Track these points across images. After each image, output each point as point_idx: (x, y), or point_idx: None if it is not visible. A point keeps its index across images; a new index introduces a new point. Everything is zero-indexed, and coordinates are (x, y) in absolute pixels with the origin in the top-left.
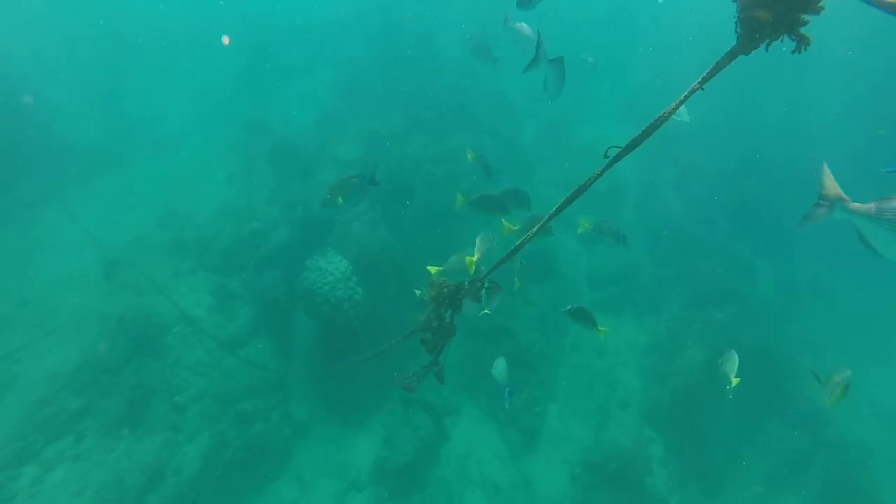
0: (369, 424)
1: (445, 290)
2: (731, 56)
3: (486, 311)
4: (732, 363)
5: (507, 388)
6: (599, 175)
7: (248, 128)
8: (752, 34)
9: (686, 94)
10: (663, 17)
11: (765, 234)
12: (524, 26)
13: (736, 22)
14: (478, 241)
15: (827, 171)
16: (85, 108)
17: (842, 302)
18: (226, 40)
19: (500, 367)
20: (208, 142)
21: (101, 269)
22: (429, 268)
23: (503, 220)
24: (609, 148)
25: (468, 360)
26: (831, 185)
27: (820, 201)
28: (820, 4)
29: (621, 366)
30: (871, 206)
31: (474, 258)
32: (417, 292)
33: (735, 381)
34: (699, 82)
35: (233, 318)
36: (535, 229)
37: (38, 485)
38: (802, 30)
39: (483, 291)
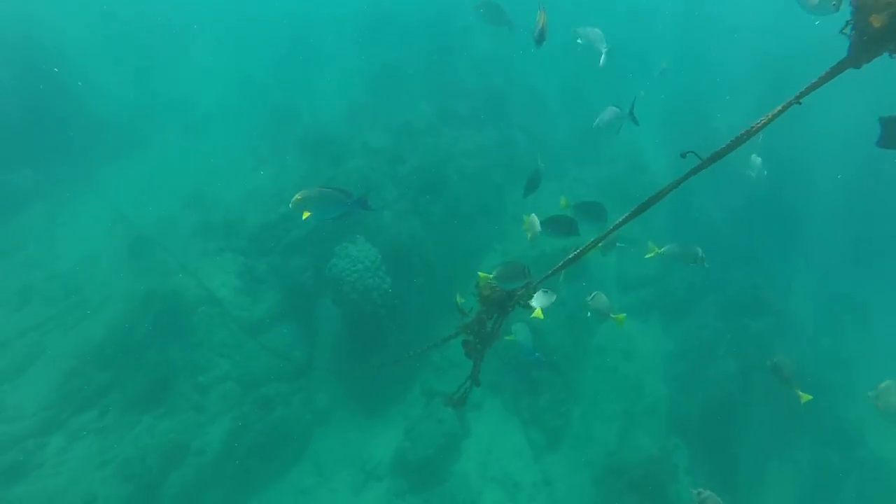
0: (391, 415)
1: (496, 294)
2: (837, 69)
3: (539, 313)
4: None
5: (536, 353)
6: (673, 187)
7: (279, 114)
8: (866, 44)
9: (780, 108)
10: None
11: (801, 246)
12: (594, 31)
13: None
14: (527, 221)
15: None
16: (118, 85)
17: (876, 319)
18: None
19: (523, 332)
20: (238, 127)
21: (128, 247)
22: (480, 273)
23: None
24: (687, 152)
25: (492, 356)
26: None
27: None
28: None
29: (649, 371)
30: None
31: (528, 235)
32: (459, 299)
33: (805, 397)
34: (796, 97)
35: (258, 301)
36: (597, 239)
37: (64, 454)
38: None
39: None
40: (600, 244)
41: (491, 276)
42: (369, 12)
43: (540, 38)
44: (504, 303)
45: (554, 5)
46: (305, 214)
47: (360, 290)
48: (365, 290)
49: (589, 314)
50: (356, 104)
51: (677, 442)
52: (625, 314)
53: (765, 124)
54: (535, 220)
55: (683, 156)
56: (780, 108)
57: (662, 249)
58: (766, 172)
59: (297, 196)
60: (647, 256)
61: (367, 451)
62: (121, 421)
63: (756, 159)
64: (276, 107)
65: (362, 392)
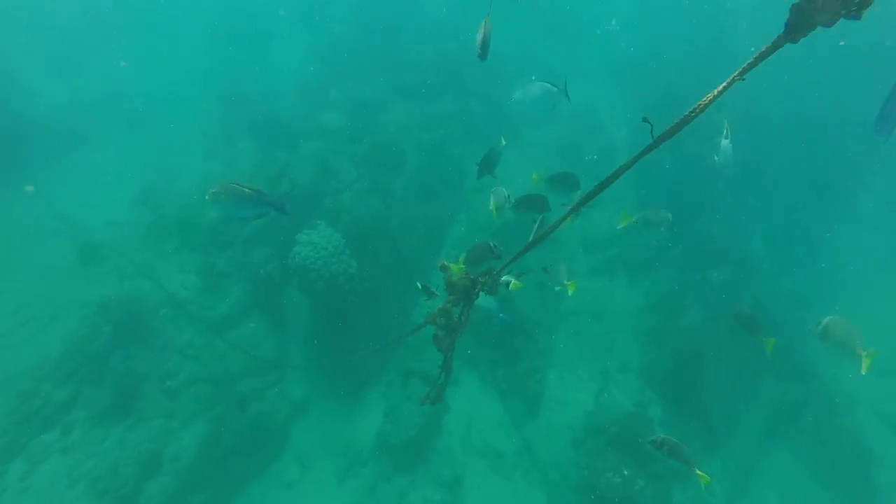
0: (369, 399)
1: (462, 281)
2: (775, 45)
3: (516, 284)
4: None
5: (500, 315)
6: (629, 167)
7: (226, 100)
8: (803, 19)
9: (725, 84)
10: None
11: (756, 192)
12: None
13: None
14: (492, 195)
15: None
16: (47, 82)
17: (831, 257)
18: None
19: (485, 297)
20: (185, 116)
21: (77, 254)
22: (448, 263)
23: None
24: (644, 118)
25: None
26: None
27: None
28: None
29: (620, 330)
30: None
31: (492, 206)
32: (419, 285)
33: (769, 343)
34: (739, 72)
35: (222, 297)
36: (565, 215)
37: (28, 479)
38: None
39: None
40: (568, 219)
41: (459, 262)
42: None
43: (483, 51)
44: (469, 291)
45: None
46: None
47: (326, 276)
48: (331, 276)
49: (556, 288)
50: (307, 83)
51: (651, 396)
52: (575, 280)
53: (711, 101)
54: (501, 192)
55: (645, 120)
56: (724, 84)
57: (634, 218)
58: (732, 161)
59: (213, 190)
60: (619, 227)
61: (349, 438)
62: (88, 436)
63: (727, 146)
64: (223, 92)
65: (338, 379)
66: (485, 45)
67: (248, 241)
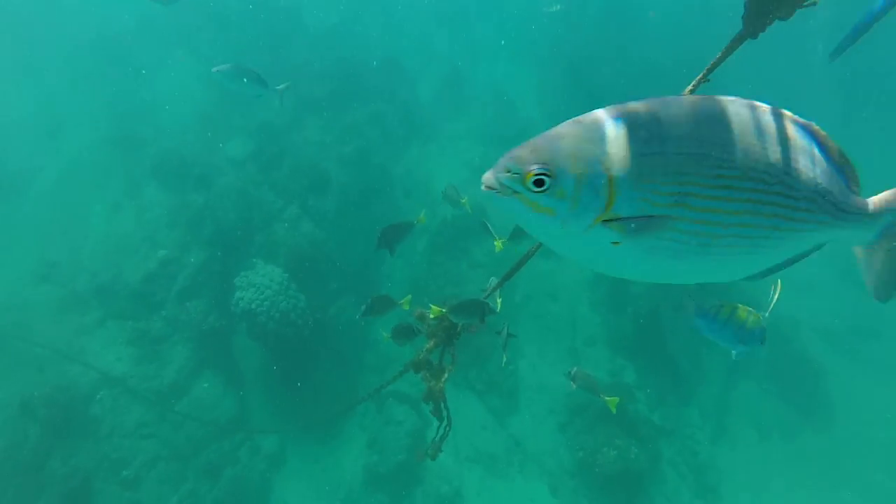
0: (347, 432)
1: (441, 327)
2: (736, 42)
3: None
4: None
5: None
6: None
7: (118, 143)
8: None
9: (692, 86)
10: None
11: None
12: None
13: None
14: (444, 195)
15: None
16: None
17: None
18: None
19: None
20: (70, 170)
21: None
22: (434, 307)
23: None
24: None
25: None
26: None
27: None
28: None
29: (577, 304)
30: None
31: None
32: (385, 335)
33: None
34: (704, 73)
35: (166, 363)
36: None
37: None
38: None
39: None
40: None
41: (444, 309)
42: (184, 7)
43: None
44: (451, 332)
45: None
46: None
47: (277, 317)
48: (281, 315)
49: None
50: (203, 112)
51: (623, 363)
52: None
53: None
54: (453, 190)
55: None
56: (690, 86)
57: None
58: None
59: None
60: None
61: (335, 479)
62: None
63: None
64: (111, 135)
65: (308, 419)
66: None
67: (182, 296)
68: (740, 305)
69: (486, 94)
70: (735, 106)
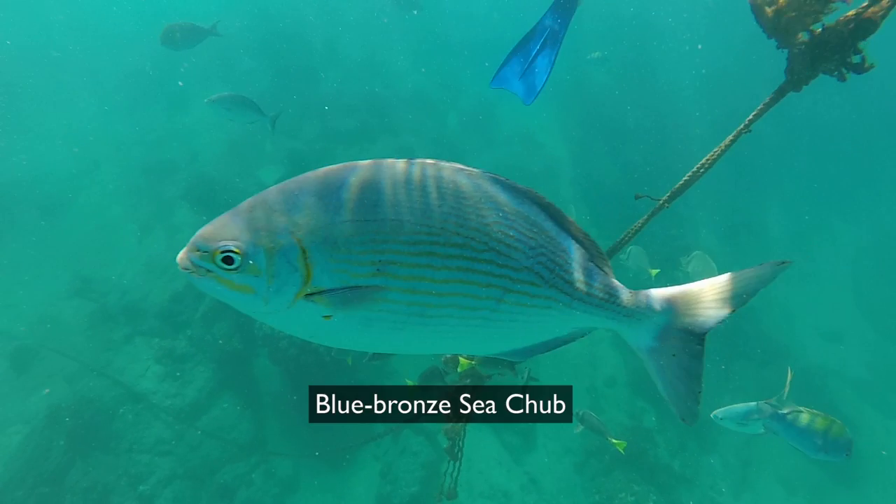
0: (361, 460)
1: (468, 375)
2: (779, 94)
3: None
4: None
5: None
6: (638, 230)
7: (151, 170)
8: (803, 67)
9: (732, 136)
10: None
11: (702, 186)
12: None
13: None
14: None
15: None
16: None
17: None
18: None
19: None
20: (108, 193)
21: (10, 361)
22: (463, 359)
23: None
24: (641, 196)
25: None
26: None
27: None
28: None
29: (598, 342)
30: None
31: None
32: (409, 382)
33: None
34: (745, 124)
35: (188, 382)
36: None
37: None
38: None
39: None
40: None
41: (472, 361)
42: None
43: None
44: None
45: None
46: None
47: (298, 343)
48: (303, 341)
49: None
50: (235, 139)
51: (643, 405)
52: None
53: (719, 155)
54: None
55: (637, 198)
56: (731, 137)
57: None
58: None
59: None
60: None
61: None
62: None
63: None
64: (145, 162)
65: (323, 445)
66: None
67: (207, 318)
68: (818, 412)
69: (512, 129)
70: (437, 170)
